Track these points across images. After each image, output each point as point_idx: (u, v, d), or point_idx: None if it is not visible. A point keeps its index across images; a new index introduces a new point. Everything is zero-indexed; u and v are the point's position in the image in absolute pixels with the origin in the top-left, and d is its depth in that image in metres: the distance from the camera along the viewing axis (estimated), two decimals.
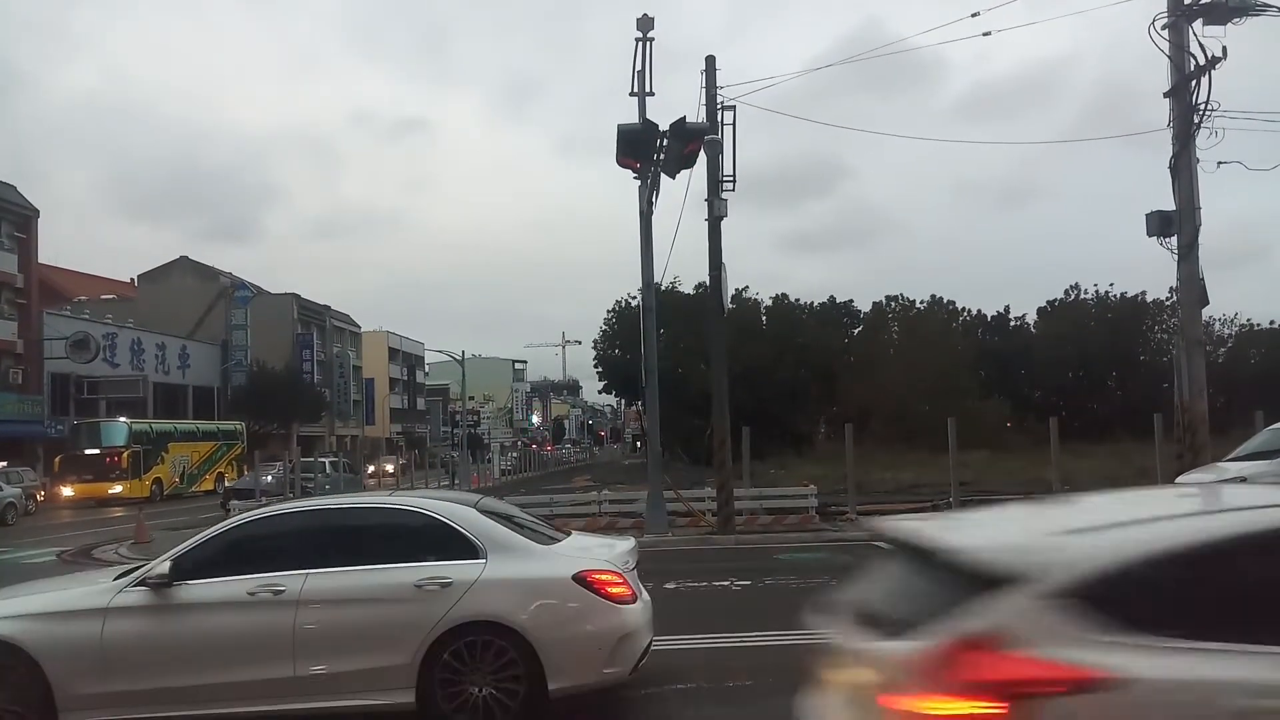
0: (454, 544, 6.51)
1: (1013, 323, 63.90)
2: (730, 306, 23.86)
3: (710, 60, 19.04)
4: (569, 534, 7.66)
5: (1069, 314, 60.70)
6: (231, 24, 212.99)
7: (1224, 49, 15.99)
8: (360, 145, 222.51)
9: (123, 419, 46.36)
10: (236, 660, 6.30)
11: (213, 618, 6.39)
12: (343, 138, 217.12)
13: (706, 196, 18.67)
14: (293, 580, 6.37)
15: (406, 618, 6.26)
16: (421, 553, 6.52)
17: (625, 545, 7.31)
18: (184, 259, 77.57)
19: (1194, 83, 16.30)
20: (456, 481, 44.79)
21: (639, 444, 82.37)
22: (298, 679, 6.23)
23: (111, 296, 62.17)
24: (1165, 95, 16.83)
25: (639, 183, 18.78)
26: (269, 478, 28.66)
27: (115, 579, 6.70)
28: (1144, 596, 3.02)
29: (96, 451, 43.00)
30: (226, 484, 41.46)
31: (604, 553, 6.87)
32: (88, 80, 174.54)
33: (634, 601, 6.55)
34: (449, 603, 6.24)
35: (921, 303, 61.29)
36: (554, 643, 6.24)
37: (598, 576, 6.42)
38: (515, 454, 71.26)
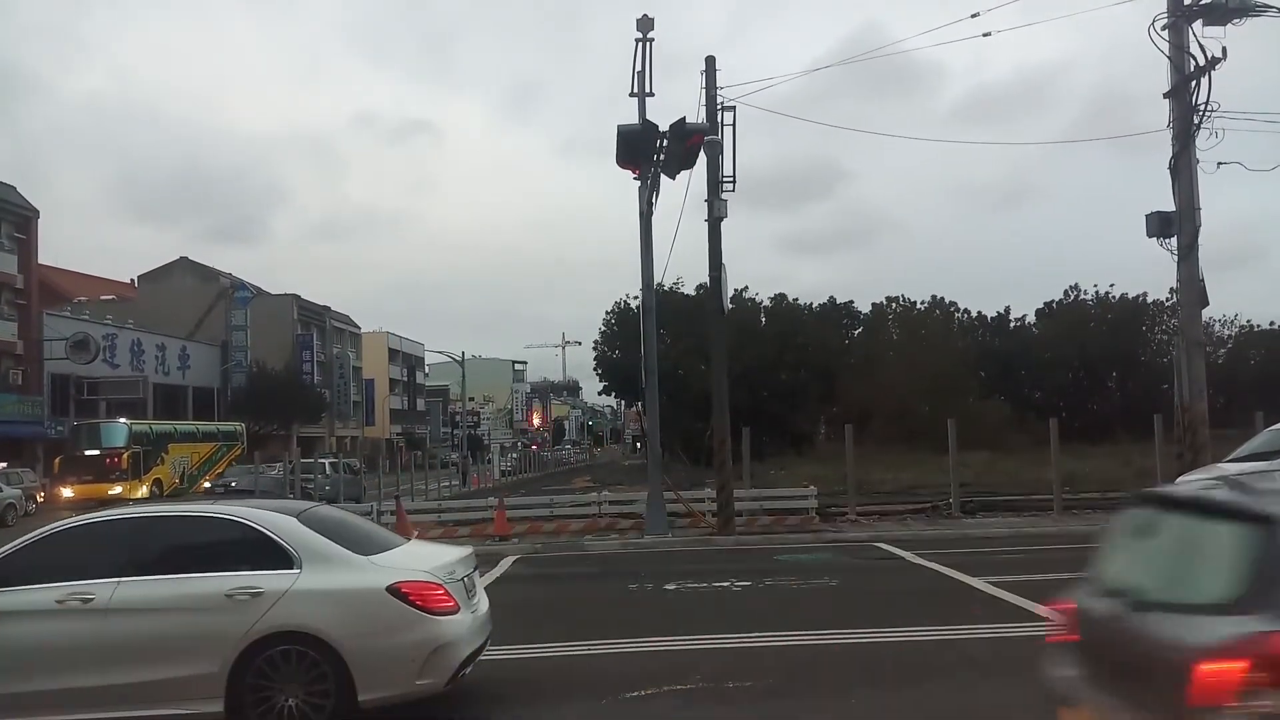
0: (269, 554, 6.49)
1: (1013, 323, 63.95)
2: (730, 307, 23.84)
3: (710, 61, 19.04)
4: (408, 541, 7.65)
5: (1069, 315, 60.76)
6: (237, 28, 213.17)
7: (1224, 49, 16.00)
8: (362, 147, 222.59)
9: (122, 420, 46.33)
10: (43, 669, 6.26)
11: (19, 626, 6.35)
12: (345, 140, 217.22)
13: (706, 197, 18.67)
14: (103, 589, 6.34)
15: (216, 627, 6.24)
16: (236, 562, 6.50)
17: (457, 554, 7.31)
18: (184, 259, 77.63)
19: (1194, 83, 16.30)
20: (467, 484, 45.00)
21: (639, 445, 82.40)
22: (106, 688, 6.20)
23: (111, 297, 62.17)
24: (1165, 96, 16.84)
25: (639, 184, 18.78)
26: (235, 482, 28.74)
27: None
28: None
29: (96, 452, 42.95)
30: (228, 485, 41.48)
31: (430, 563, 6.84)
32: (94, 83, 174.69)
33: (454, 612, 6.54)
34: (259, 613, 6.23)
35: (922, 303, 61.39)
36: (364, 654, 6.24)
37: (413, 588, 6.41)
38: (515, 455, 71.27)
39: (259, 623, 6.22)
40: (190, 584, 6.43)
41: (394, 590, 6.36)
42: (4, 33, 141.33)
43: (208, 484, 42.92)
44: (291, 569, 6.43)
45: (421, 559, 6.97)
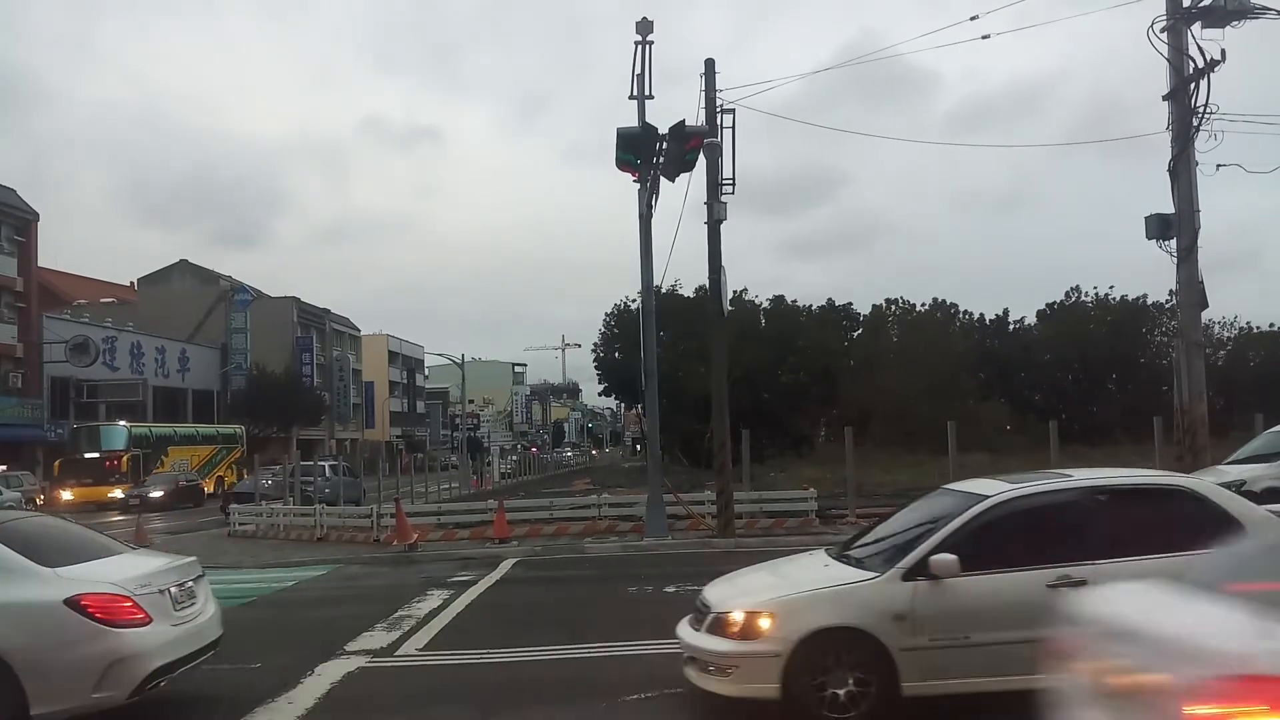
0: None
1: (1013, 325, 63.90)
2: (730, 309, 23.83)
3: (709, 63, 19.02)
4: (130, 551, 7.62)
5: (1069, 316, 60.72)
6: (246, 36, 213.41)
7: (1223, 52, 16.00)
8: (366, 153, 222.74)
9: (122, 422, 46.36)
10: None
11: None
12: (347, 145, 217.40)
13: (706, 200, 18.65)
14: None
15: None
16: None
17: (166, 564, 7.32)
18: (183, 262, 77.58)
19: (1193, 86, 16.30)
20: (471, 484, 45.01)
21: (638, 447, 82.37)
22: None
23: (111, 300, 62.13)
24: (1164, 98, 16.84)
25: (638, 186, 18.77)
26: (268, 481, 28.68)
27: None
28: None
29: (96, 455, 42.98)
30: (226, 487, 41.46)
31: (128, 574, 6.83)
32: (103, 88, 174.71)
33: (143, 624, 6.52)
34: None
35: (922, 305, 61.37)
36: (37, 666, 6.18)
37: (95, 600, 6.39)
38: (515, 457, 71.21)
39: None
40: None
41: (72, 603, 6.34)
42: (15, 39, 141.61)
43: None
44: None
45: (121, 570, 6.94)
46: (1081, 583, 6.07)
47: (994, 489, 6.79)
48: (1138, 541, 6.32)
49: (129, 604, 6.51)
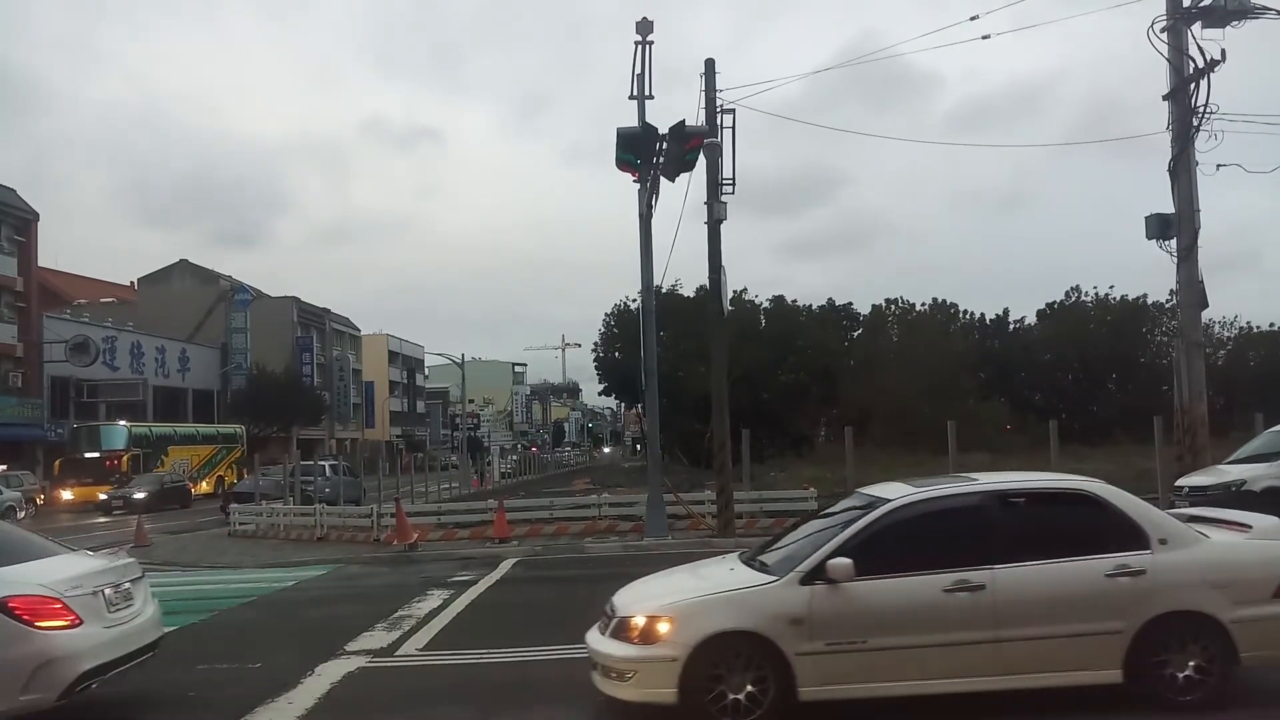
0: None
1: (1013, 325, 63.86)
2: (730, 309, 23.83)
3: (709, 63, 19.01)
4: (67, 553, 7.57)
5: (1069, 316, 60.68)
6: (248, 37, 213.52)
7: (1223, 51, 16.02)
8: (366, 153, 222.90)
9: (122, 422, 46.35)
10: None
11: None
12: (349, 146, 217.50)
13: (706, 200, 18.65)
14: None
15: None
16: None
17: (100, 566, 7.30)
18: (184, 262, 77.55)
19: (1193, 85, 16.32)
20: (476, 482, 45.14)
21: (638, 447, 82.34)
22: None
23: (111, 300, 62.14)
24: (1164, 98, 16.85)
25: (638, 186, 18.76)
26: (260, 480, 28.45)
27: None
28: None
29: (96, 455, 42.97)
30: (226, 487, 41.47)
31: (60, 575, 6.80)
32: (105, 90, 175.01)
33: (73, 627, 6.49)
34: None
35: (922, 305, 61.32)
36: None
37: (21, 602, 6.37)
38: (515, 457, 71.19)
39: None
40: None
41: None
42: (15, 40, 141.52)
43: None
44: None
45: (54, 572, 6.90)
46: (980, 587, 6.09)
47: (896, 493, 6.77)
48: (1037, 545, 6.33)
49: (58, 606, 6.47)
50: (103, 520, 33.64)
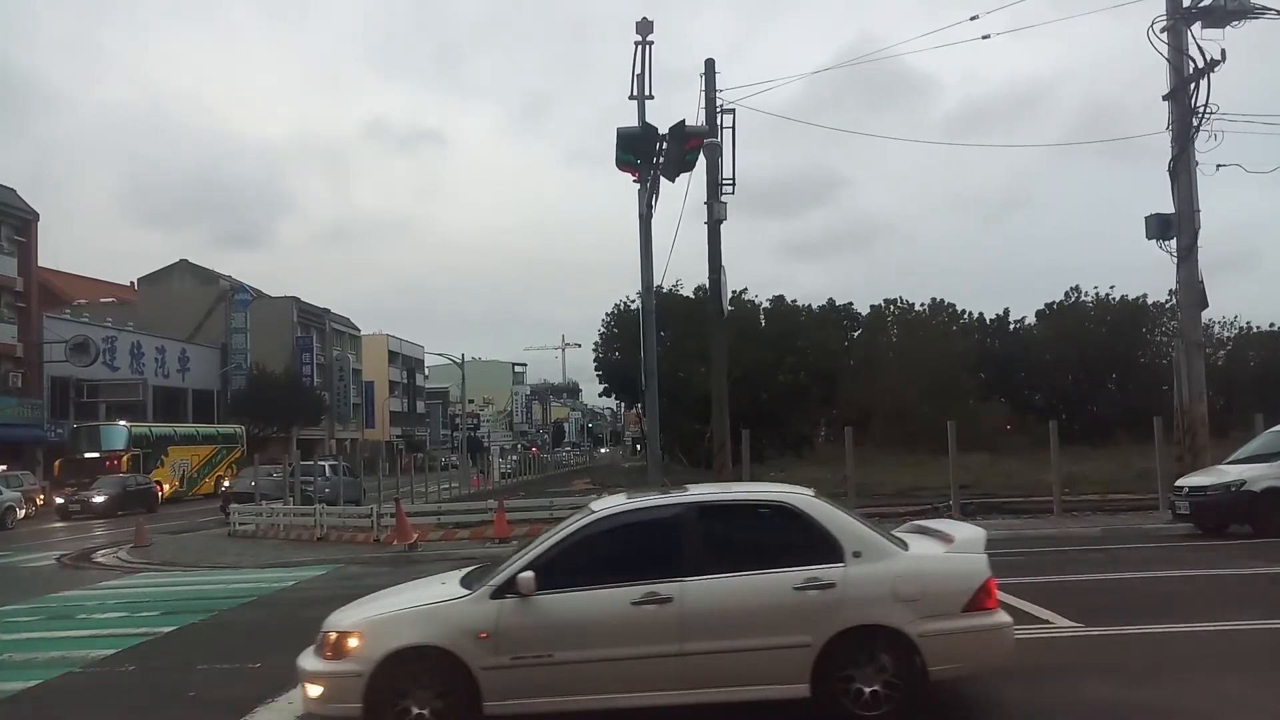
0: None
1: (1013, 325, 63.88)
2: (730, 309, 23.85)
3: (710, 64, 19.05)
4: None
5: (1069, 316, 60.69)
6: (250, 39, 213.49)
7: (1223, 52, 16.04)
8: (367, 154, 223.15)
9: (122, 422, 46.30)
10: None
11: None
12: (350, 147, 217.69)
13: (706, 200, 18.66)
14: None
15: None
16: None
17: None
18: (183, 262, 77.52)
19: (1193, 85, 16.32)
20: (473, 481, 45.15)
21: (639, 447, 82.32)
22: None
23: (111, 300, 62.11)
24: (1164, 98, 16.86)
25: (638, 186, 18.75)
26: (254, 481, 28.27)
27: None
28: None
29: (96, 455, 42.92)
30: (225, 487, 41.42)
31: None
32: (108, 91, 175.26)
33: None
34: None
35: (922, 305, 61.37)
36: None
37: None
38: (515, 457, 71.20)
39: None
40: None
41: None
42: (16, 41, 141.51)
43: None
44: None
45: None
46: (667, 600, 6.03)
47: (602, 505, 6.72)
48: (731, 558, 6.26)
49: None
50: (59, 525, 31.82)
